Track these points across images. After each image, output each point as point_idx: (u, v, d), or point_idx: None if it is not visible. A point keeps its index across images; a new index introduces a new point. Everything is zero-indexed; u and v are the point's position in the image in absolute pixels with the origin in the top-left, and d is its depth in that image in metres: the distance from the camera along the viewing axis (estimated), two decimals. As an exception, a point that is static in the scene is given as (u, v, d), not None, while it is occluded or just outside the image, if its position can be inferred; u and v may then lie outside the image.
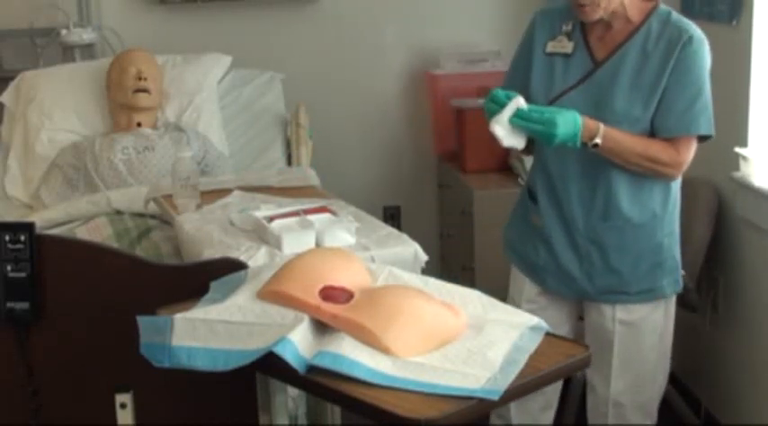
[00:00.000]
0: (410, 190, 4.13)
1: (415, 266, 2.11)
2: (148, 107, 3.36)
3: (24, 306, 1.89)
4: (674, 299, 2.47)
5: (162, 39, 3.76)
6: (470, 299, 1.80)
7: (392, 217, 4.11)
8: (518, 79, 2.43)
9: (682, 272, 2.46)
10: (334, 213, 2.26)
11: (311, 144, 3.46)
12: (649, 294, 2.41)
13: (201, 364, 1.65)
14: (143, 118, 3.35)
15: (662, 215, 2.38)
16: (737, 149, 2.98)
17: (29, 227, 1.89)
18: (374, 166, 4.09)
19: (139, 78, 3.31)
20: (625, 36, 2.32)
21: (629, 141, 2.26)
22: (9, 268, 1.88)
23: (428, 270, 2.12)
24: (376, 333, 1.59)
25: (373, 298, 1.69)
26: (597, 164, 2.31)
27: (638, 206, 2.35)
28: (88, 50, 3.81)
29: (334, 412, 2.35)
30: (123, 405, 1.90)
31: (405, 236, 2.18)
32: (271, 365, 1.58)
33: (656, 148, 2.28)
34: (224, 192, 2.57)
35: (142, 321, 1.71)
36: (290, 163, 3.44)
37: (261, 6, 3.92)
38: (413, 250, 2.13)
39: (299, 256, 1.84)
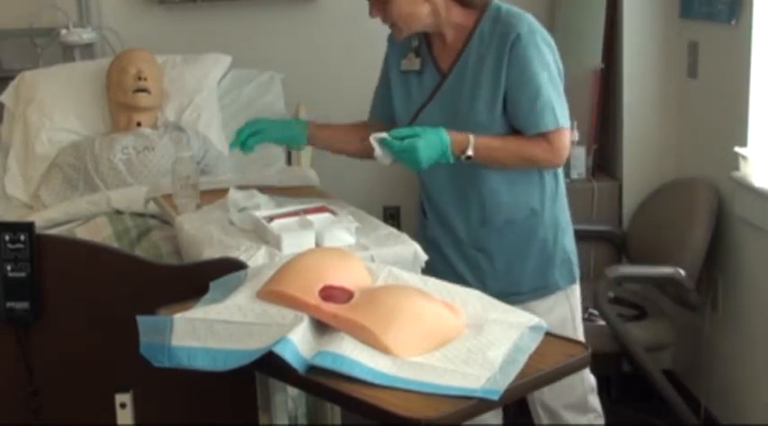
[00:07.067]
0: (410, 191, 4.11)
1: (415, 266, 2.11)
2: (148, 107, 3.36)
3: (24, 305, 1.89)
4: (575, 289, 2.45)
5: (162, 39, 3.75)
6: (470, 299, 1.80)
7: (392, 217, 4.10)
8: (383, 101, 2.50)
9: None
10: (333, 213, 2.26)
11: (311, 144, 3.46)
12: (544, 290, 2.39)
13: (201, 364, 1.65)
14: (143, 118, 3.35)
15: (540, 210, 2.36)
16: (737, 149, 2.98)
17: (29, 227, 1.89)
18: (374, 166, 4.06)
19: (139, 78, 3.31)
20: (462, 42, 2.31)
21: (500, 145, 2.24)
22: (9, 268, 1.88)
23: (428, 270, 2.12)
24: (376, 333, 1.59)
25: (373, 298, 1.69)
26: (463, 172, 2.30)
27: (513, 206, 2.34)
28: (88, 50, 3.80)
29: (334, 412, 2.35)
30: (123, 405, 1.90)
31: (405, 236, 2.18)
32: (271, 365, 1.58)
33: (529, 146, 2.25)
34: (224, 192, 2.57)
35: (142, 321, 1.71)
36: (290, 163, 3.44)
37: (261, 6, 3.91)
38: (413, 250, 2.13)
39: (298, 256, 1.84)
